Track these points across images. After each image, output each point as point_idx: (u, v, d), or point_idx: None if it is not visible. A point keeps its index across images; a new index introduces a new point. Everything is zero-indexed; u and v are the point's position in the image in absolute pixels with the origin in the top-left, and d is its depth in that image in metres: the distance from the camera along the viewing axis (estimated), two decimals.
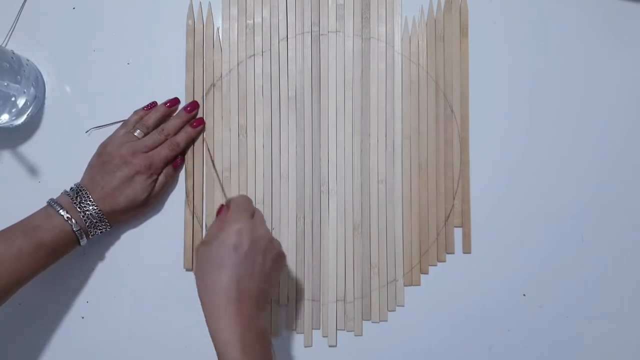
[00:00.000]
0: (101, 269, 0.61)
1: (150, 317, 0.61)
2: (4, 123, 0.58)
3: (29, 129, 0.61)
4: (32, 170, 0.61)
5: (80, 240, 0.55)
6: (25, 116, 0.60)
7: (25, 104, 0.59)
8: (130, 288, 0.61)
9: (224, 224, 0.49)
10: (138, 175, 0.56)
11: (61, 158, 0.60)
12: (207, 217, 0.61)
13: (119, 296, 0.61)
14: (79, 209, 0.54)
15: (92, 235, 0.56)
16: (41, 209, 0.55)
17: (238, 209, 0.50)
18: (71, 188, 0.57)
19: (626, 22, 0.64)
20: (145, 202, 0.57)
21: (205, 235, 0.52)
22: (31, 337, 0.60)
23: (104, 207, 0.55)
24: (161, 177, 0.58)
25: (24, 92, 0.58)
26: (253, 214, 0.51)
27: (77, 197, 0.55)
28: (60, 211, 0.54)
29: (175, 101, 0.61)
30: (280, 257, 0.51)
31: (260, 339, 0.47)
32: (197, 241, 0.61)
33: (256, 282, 0.48)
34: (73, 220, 0.54)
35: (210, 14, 0.62)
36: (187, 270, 0.61)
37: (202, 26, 0.62)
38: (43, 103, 0.62)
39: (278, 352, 0.61)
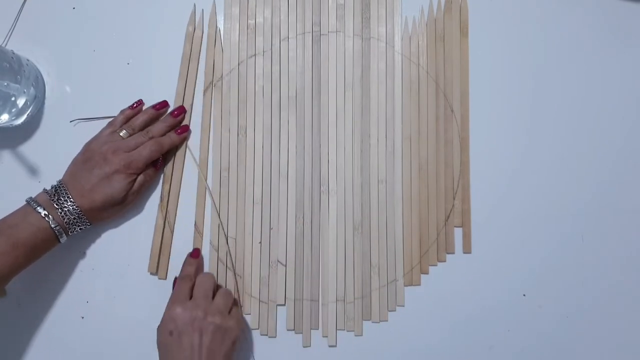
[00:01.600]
0: (101, 269, 0.61)
1: (150, 318, 0.61)
2: (4, 123, 0.58)
3: (29, 129, 0.61)
4: (32, 170, 0.61)
5: (60, 238, 0.55)
6: (25, 116, 0.60)
7: (25, 104, 0.59)
8: (129, 289, 0.61)
9: (165, 310, 0.54)
10: (116, 173, 0.56)
11: (61, 158, 0.60)
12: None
13: (119, 296, 0.61)
14: (57, 206, 0.54)
15: (71, 233, 0.56)
16: (19, 208, 0.55)
17: (175, 294, 0.55)
18: (52, 186, 0.57)
19: (626, 22, 0.64)
20: (122, 200, 0.57)
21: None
22: (31, 337, 0.60)
23: (83, 204, 0.55)
24: (140, 177, 0.58)
25: (24, 92, 0.58)
26: (190, 296, 0.55)
27: (55, 194, 0.55)
28: (38, 208, 0.54)
29: (163, 104, 0.61)
30: (226, 334, 0.54)
31: None
32: (165, 246, 0.61)
33: None
34: (51, 217, 0.54)
35: (214, 17, 0.62)
36: (151, 274, 0.61)
37: (201, 33, 0.62)
38: (43, 103, 0.62)
39: (278, 352, 0.61)
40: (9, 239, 0.52)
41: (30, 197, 0.55)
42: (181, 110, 0.61)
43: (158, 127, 0.60)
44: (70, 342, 0.60)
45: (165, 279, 0.61)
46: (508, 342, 0.62)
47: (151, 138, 0.59)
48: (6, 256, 0.52)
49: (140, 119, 0.60)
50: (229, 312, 0.55)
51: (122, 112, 0.60)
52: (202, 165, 0.61)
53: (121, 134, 0.58)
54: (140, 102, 0.61)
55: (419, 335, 0.62)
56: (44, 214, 0.54)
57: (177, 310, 0.53)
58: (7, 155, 0.61)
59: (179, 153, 0.61)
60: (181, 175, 0.62)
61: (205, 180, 0.61)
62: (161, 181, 0.61)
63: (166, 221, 0.61)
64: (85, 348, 0.60)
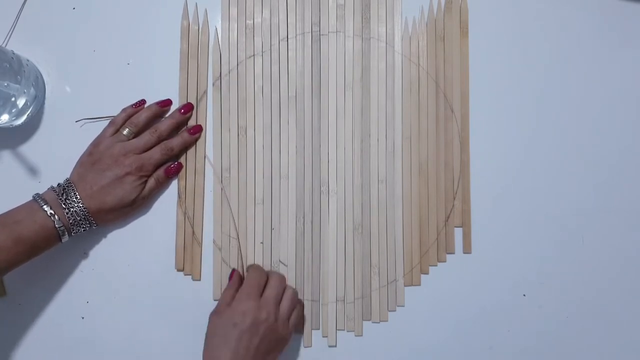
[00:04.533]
0: (101, 269, 0.61)
1: (150, 318, 0.61)
2: (4, 123, 0.58)
3: (29, 129, 0.61)
4: (32, 170, 0.61)
5: (62, 238, 0.55)
6: (25, 116, 0.60)
7: (25, 104, 0.59)
8: (129, 288, 0.61)
9: (235, 300, 0.54)
10: (128, 175, 0.56)
11: (61, 158, 0.60)
12: (197, 218, 0.61)
13: (119, 296, 0.61)
14: (64, 206, 0.54)
15: (74, 233, 0.55)
16: (25, 203, 0.55)
17: (249, 287, 0.55)
18: (59, 184, 0.56)
19: (626, 22, 0.64)
20: (132, 203, 0.57)
21: (219, 301, 0.56)
22: (31, 337, 0.60)
23: (91, 205, 0.55)
24: (151, 181, 0.58)
25: (24, 92, 0.58)
26: (262, 292, 0.55)
27: (63, 193, 0.55)
28: (44, 207, 0.54)
29: (167, 102, 0.61)
30: (280, 342, 0.55)
31: None
32: (187, 242, 0.61)
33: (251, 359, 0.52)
34: (56, 217, 0.54)
35: (205, 17, 0.62)
36: (178, 270, 0.61)
37: (197, 27, 0.62)
38: (43, 103, 0.62)
39: None
40: (11, 234, 0.52)
41: (37, 194, 0.55)
42: (189, 108, 0.61)
43: (165, 124, 0.59)
44: (70, 342, 0.60)
45: (196, 275, 0.61)
46: (508, 342, 0.62)
47: (159, 137, 0.59)
48: (7, 252, 0.52)
49: (143, 116, 0.59)
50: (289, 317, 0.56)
51: (123, 110, 0.60)
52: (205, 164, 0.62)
53: (124, 132, 0.58)
54: (142, 102, 0.60)
55: (419, 335, 0.62)
56: (50, 213, 0.53)
57: (251, 304, 0.53)
58: (7, 155, 0.61)
59: (190, 150, 0.61)
60: (195, 171, 0.61)
61: (220, 179, 0.61)
62: (176, 179, 0.61)
63: (186, 217, 0.61)
64: (85, 348, 0.60)
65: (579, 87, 0.64)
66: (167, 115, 0.61)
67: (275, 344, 0.54)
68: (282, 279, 0.57)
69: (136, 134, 0.59)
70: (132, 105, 0.60)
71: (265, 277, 0.57)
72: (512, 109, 0.63)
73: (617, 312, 0.63)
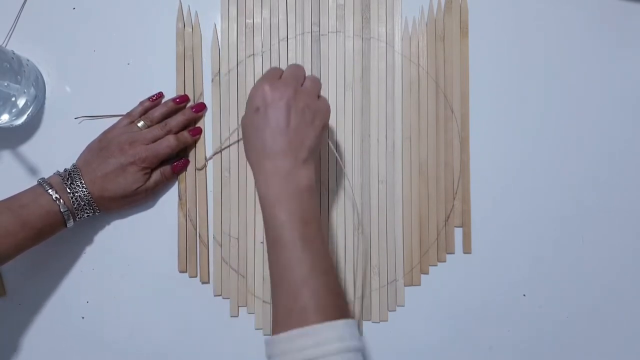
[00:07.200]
0: (101, 269, 0.61)
1: (150, 318, 0.61)
2: (4, 123, 0.58)
3: (29, 129, 0.61)
4: (32, 170, 0.61)
5: (67, 222, 0.55)
6: (25, 116, 0.60)
7: (25, 104, 0.59)
8: (129, 289, 0.61)
9: (251, 90, 0.51)
10: (130, 165, 0.56)
11: (61, 158, 0.60)
12: (200, 218, 0.61)
13: (119, 296, 0.61)
14: (69, 190, 0.54)
15: (79, 218, 0.55)
16: (31, 188, 0.55)
17: (263, 77, 0.51)
18: (65, 169, 0.56)
19: (626, 22, 0.64)
20: (135, 193, 0.57)
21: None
22: (31, 337, 0.60)
23: (94, 191, 0.55)
24: (156, 174, 0.58)
25: (24, 92, 0.58)
26: (280, 77, 0.51)
27: (69, 178, 0.55)
28: (49, 190, 0.54)
29: (184, 98, 0.61)
30: (312, 111, 0.50)
31: (298, 194, 0.48)
32: (190, 244, 0.61)
33: (285, 138, 0.49)
34: (62, 200, 0.54)
35: (197, 19, 0.62)
36: (181, 272, 0.61)
37: (191, 30, 0.62)
38: (43, 103, 0.62)
39: None
40: (18, 218, 0.52)
41: (42, 178, 0.55)
42: (201, 107, 0.61)
43: (177, 120, 0.60)
44: (70, 342, 0.60)
45: (196, 276, 0.61)
46: (508, 342, 0.62)
47: (169, 132, 0.59)
48: (14, 236, 0.52)
49: (159, 111, 0.59)
50: (318, 97, 0.52)
51: (141, 103, 0.60)
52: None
53: (139, 124, 0.58)
54: (160, 95, 0.61)
55: (419, 335, 0.62)
56: (55, 197, 0.53)
57: (266, 88, 0.49)
58: (7, 155, 0.61)
59: (192, 150, 0.61)
60: (195, 172, 0.61)
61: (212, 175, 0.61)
62: (177, 180, 0.62)
63: (188, 219, 0.61)
64: (85, 348, 0.60)
65: (579, 87, 0.63)
66: (180, 112, 0.61)
67: (311, 118, 0.50)
68: (300, 67, 0.53)
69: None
70: (149, 98, 0.60)
71: (280, 71, 0.52)
72: (512, 109, 0.63)
73: (617, 312, 0.63)
